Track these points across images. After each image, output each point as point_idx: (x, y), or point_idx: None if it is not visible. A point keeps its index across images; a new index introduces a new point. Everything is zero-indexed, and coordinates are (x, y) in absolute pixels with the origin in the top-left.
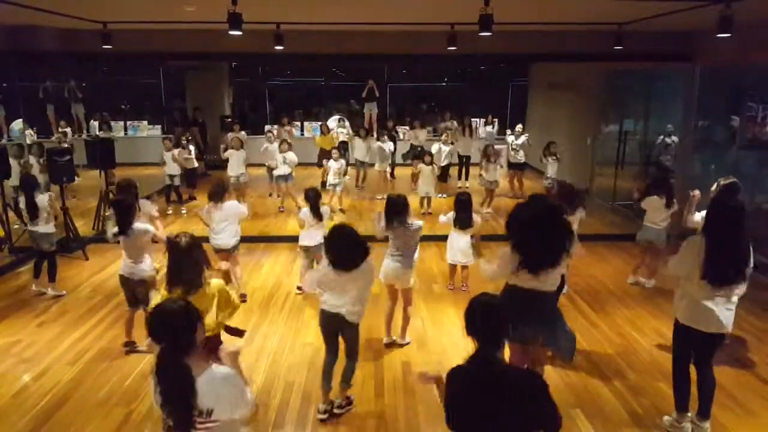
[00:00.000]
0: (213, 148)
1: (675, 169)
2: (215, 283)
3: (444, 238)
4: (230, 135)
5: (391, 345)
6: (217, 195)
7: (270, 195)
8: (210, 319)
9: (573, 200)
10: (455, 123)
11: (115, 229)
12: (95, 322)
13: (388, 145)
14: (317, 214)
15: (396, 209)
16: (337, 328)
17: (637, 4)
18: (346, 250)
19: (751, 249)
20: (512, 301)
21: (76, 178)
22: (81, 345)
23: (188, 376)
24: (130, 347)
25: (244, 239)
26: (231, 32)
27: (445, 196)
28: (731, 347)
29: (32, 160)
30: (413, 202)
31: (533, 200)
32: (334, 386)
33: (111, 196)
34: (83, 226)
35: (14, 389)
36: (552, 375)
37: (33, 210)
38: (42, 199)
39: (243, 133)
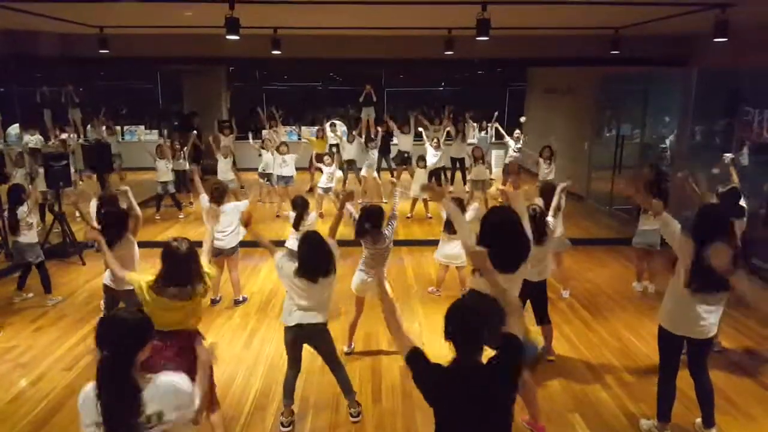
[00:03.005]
0: (209, 152)
1: (671, 173)
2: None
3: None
4: (223, 140)
5: (350, 354)
6: (219, 197)
7: (259, 201)
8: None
9: (551, 198)
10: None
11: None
12: (92, 327)
13: (374, 152)
14: (297, 225)
15: (370, 219)
16: (305, 339)
17: (633, 9)
18: (317, 259)
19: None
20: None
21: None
22: (78, 350)
23: (137, 388)
24: None
25: (241, 244)
26: (228, 37)
27: None
28: (731, 353)
29: (39, 169)
30: (403, 205)
31: (500, 209)
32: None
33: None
34: (80, 231)
35: (11, 394)
36: (550, 379)
37: (15, 223)
38: (20, 210)
39: (231, 136)
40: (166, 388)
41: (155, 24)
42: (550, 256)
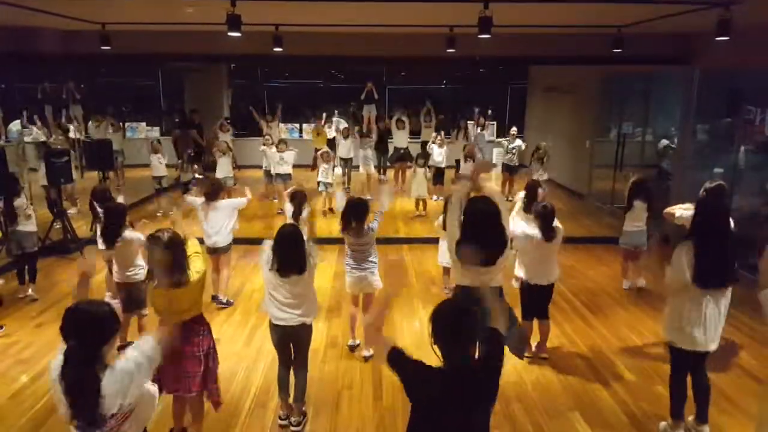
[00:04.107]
0: (211, 149)
1: (674, 172)
2: (197, 268)
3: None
4: (220, 136)
5: (354, 348)
6: (212, 194)
7: (267, 197)
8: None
9: (535, 198)
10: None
11: (102, 246)
12: None
13: (370, 149)
14: (296, 219)
15: (355, 213)
16: (290, 339)
17: (636, 7)
18: (292, 253)
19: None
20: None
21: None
22: None
23: (96, 383)
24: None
25: (242, 241)
26: (230, 34)
27: (441, 198)
28: (729, 350)
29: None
30: (405, 203)
31: (481, 200)
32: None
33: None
34: (81, 228)
35: (12, 390)
36: (551, 378)
37: (11, 214)
38: (19, 201)
39: (229, 133)
40: (121, 373)
41: (157, 21)
42: (555, 258)
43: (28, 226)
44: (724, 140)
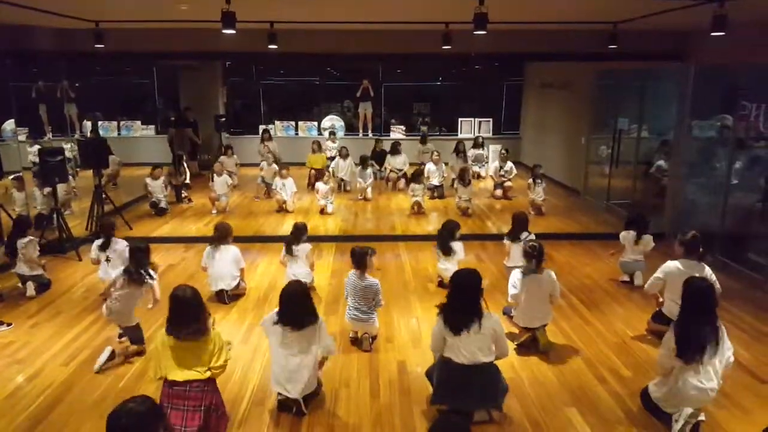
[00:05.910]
0: (206, 147)
1: (669, 169)
2: (215, 332)
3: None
4: (222, 158)
5: (355, 341)
6: (220, 239)
7: (256, 197)
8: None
9: (523, 228)
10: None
11: (119, 271)
12: (89, 323)
13: (368, 172)
14: (289, 250)
15: (357, 260)
16: None
17: (632, 3)
18: (294, 307)
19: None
20: (448, 375)
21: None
22: (75, 345)
23: None
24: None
25: (239, 239)
26: (224, 31)
27: (437, 196)
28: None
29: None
30: (402, 201)
31: (466, 271)
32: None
33: (104, 195)
34: (77, 227)
35: (7, 390)
36: (547, 374)
37: (13, 252)
38: (21, 242)
39: (234, 157)
40: None
41: (151, 18)
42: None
43: (32, 270)
44: (720, 136)
